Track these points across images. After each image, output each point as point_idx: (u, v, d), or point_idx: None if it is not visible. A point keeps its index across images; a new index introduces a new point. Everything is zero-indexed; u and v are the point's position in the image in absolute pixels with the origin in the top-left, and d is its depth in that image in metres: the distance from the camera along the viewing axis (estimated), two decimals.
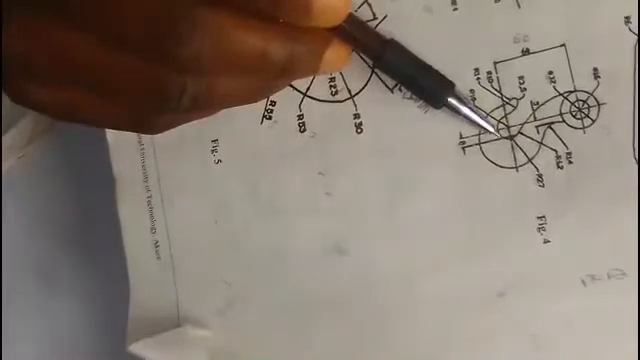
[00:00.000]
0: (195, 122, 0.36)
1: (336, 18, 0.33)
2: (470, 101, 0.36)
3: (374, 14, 0.37)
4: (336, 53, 0.35)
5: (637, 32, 0.35)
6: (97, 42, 0.31)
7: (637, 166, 0.35)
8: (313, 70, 0.35)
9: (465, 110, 0.36)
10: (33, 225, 0.46)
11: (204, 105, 0.33)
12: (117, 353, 0.37)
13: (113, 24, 0.31)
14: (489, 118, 0.36)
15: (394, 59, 0.36)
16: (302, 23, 0.33)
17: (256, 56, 0.32)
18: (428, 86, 0.36)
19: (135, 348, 0.36)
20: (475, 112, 0.36)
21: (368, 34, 0.35)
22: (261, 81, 0.34)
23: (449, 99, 0.36)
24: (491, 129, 0.36)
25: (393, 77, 0.36)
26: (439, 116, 0.37)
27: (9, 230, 0.46)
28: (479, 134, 0.36)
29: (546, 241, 0.36)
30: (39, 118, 0.44)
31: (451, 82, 0.36)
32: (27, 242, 0.46)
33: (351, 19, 0.34)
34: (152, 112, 0.33)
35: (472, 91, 0.36)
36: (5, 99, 0.41)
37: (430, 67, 0.36)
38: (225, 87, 0.33)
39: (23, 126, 0.43)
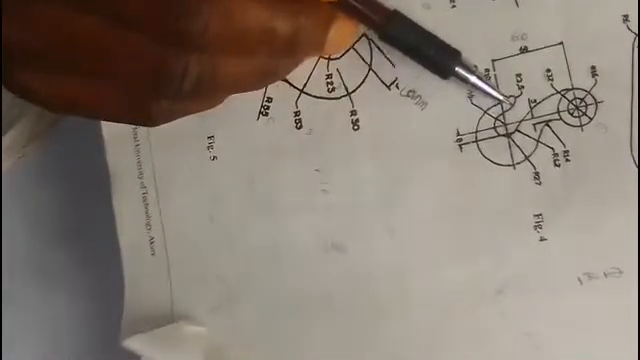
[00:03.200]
0: (191, 117, 0.36)
1: None
2: (477, 69, 0.36)
3: None
4: (340, 30, 0.35)
5: (635, 30, 0.35)
6: (99, 21, 0.30)
7: (634, 164, 0.35)
8: (318, 47, 0.35)
9: (473, 79, 0.36)
10: (33, 225, 0.46)
11: (206, 89, 0.32)
12: (116, 350, 0.37)
13: (116, 0, 0.30)
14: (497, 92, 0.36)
15: (399, 30, 0.35)
16: None
17: (262, 31, 0.32)
18: (435, 55, 0.36)
19: (129, 343, 0.36)
20: (483, 81, 0.36)
21: (371, 6, 0.35)
22: (265, 61, 0.34)
23: (456, 68, 0.35)
24: (500, 97, 0.36)
25: (399, 48, 0.36)
26: (436, 113, 0.36)
27: (9, 230, 0.46)
28: (476, 131, 0.36)
29: (542, 239, 0.36)
30: (39, 118, 0.44)
31: (457, 50, 0.36)
32: (27, 241, 0.46)
33: None
34: (152, 97, 0.32)
35: None
36: (5, 100, 0.41)
37: (435, 37, 0.36)
38: (228, 68, 0.32)
39: (23, 126, 0.43)
